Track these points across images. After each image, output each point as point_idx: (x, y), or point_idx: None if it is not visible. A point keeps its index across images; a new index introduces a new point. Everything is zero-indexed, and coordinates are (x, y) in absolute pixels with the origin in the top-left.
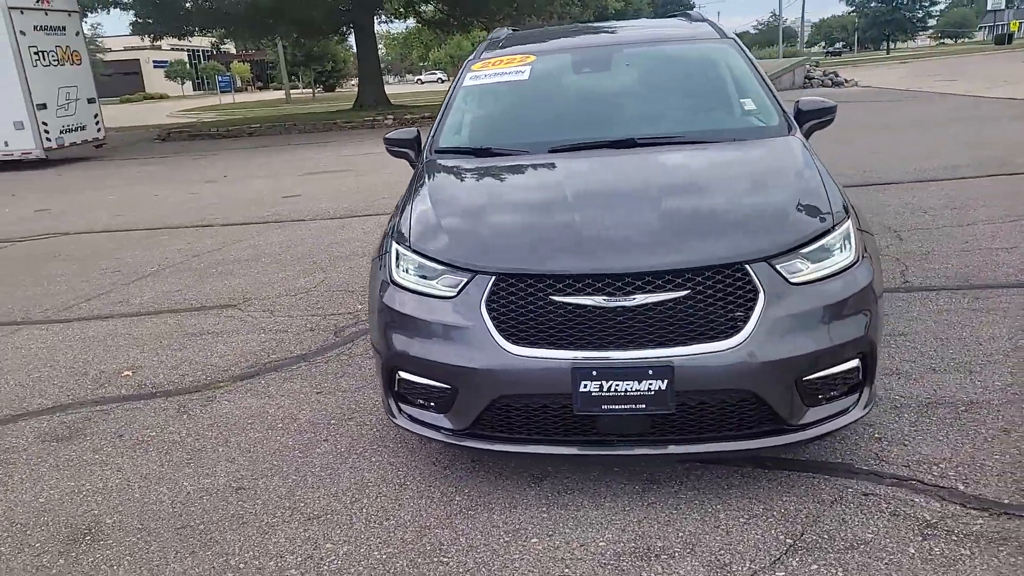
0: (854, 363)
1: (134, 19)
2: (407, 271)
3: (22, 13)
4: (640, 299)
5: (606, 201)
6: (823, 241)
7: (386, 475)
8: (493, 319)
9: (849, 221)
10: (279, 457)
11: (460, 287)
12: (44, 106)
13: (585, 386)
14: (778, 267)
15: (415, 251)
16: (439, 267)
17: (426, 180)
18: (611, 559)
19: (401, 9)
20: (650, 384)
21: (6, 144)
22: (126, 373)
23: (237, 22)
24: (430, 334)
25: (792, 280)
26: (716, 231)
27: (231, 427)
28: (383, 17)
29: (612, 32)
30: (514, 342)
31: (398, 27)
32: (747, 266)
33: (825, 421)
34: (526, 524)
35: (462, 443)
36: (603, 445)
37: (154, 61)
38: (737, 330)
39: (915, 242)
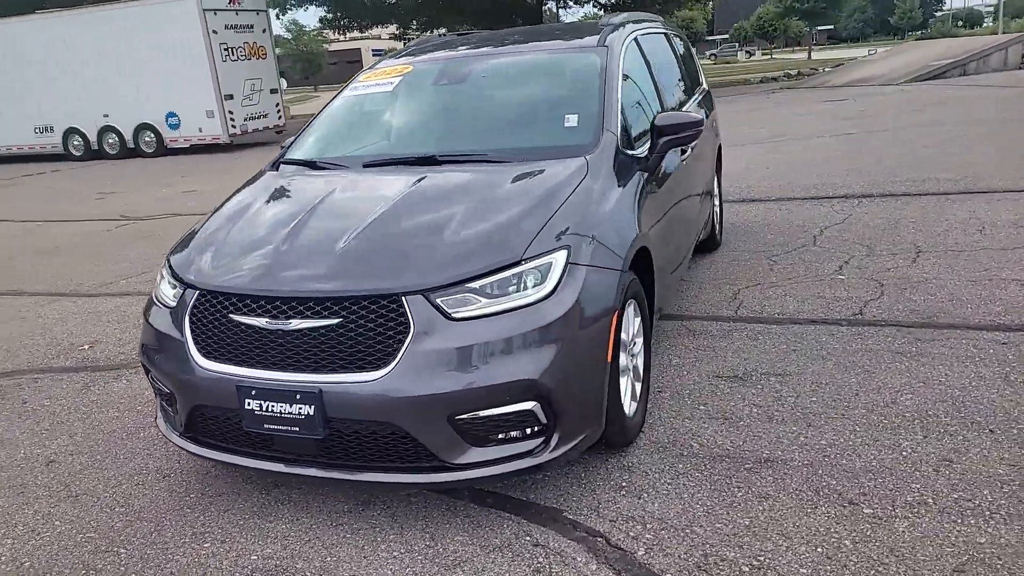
0: (528, 405)
1: (323, 15)
2: (162, 278)
3: (215, 14)
4: (296, 323)
5: (331, 223)
6: (501, 275)
7: (161, 467)
8: (192, 332)
9: (560, 254)
10: (107, 438)
11: (177, 300)
12: (231, 96)
13: (248, 404)
14: (438, 300)
15: (167, 261)
16: (172, 280)
17: (234, 193)
18: (242, 574)
19: None
20: (300, 408)
21: (200, 130)
22: (84, 346)
23: (408, 15)
24: (159, 341)
25: (455, 315)
26: (389, 261)
27: (103, 405)
28: (553, 7)
29: (498, 41)
30: (205, 356)
31: (574, 13)
32: (403, 298)
33: (495, 463)
34: (208, 530)
35: (182, 446)
36: (279, 461)
37: (372, 49)
38: (385, 363)
39: (927, 265)
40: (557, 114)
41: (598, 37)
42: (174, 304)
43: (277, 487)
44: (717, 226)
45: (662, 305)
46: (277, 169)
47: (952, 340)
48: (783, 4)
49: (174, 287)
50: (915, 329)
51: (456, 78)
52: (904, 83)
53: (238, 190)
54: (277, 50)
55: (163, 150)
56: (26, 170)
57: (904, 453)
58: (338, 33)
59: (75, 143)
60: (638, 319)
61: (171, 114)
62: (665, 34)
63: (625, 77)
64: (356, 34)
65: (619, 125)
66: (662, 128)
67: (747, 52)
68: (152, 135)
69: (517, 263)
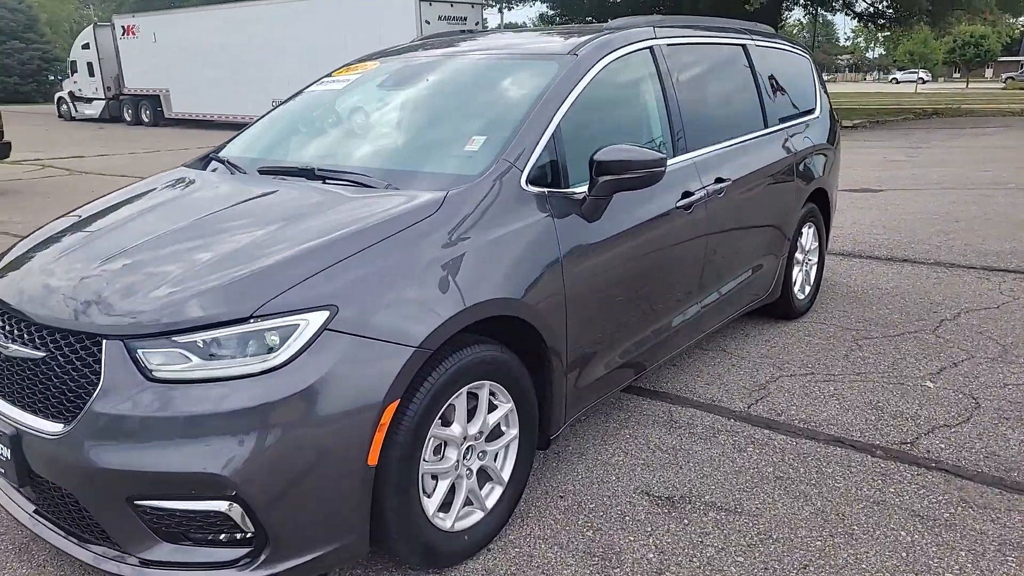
0: (220, 506)
1: (544, 11)
2: None
3: (430, 4)
4: (13, 349)
5: (124, 235)
6: (221, 332)
7: None
8: None
9: (315, 316)
10: None
11: None
12: None
13: None
14: (139, 352)
15: None
16: None
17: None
18: None
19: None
20: (1, 448)
21: None
22: None
23: (631, 13)
24: None
25: (156, 373)
26: (111, 292)
27: None
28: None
29: (474, 40)
30: None
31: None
32: (103, 340)
33: (187, 568)
34: None
35: None
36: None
37: None
38: (72, 416)
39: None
40: (469, 134)
41: (578, 43)
42: None
43: None
44: (797, 288)
45: (580, 404)
46: (199, 163)
47: (1019, 515)
48: None
49: None
50: (972, 484)
51: (399, 82)
52: None
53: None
54: None
55: None
56: None
57: None
58: None
59: None
60: (500, 413)
61: None
62: (740, 45)
63: (597, 97)
64: None
65: (534, 156)
66: (603, 165)
67: None
68: None
69: (244, 320)
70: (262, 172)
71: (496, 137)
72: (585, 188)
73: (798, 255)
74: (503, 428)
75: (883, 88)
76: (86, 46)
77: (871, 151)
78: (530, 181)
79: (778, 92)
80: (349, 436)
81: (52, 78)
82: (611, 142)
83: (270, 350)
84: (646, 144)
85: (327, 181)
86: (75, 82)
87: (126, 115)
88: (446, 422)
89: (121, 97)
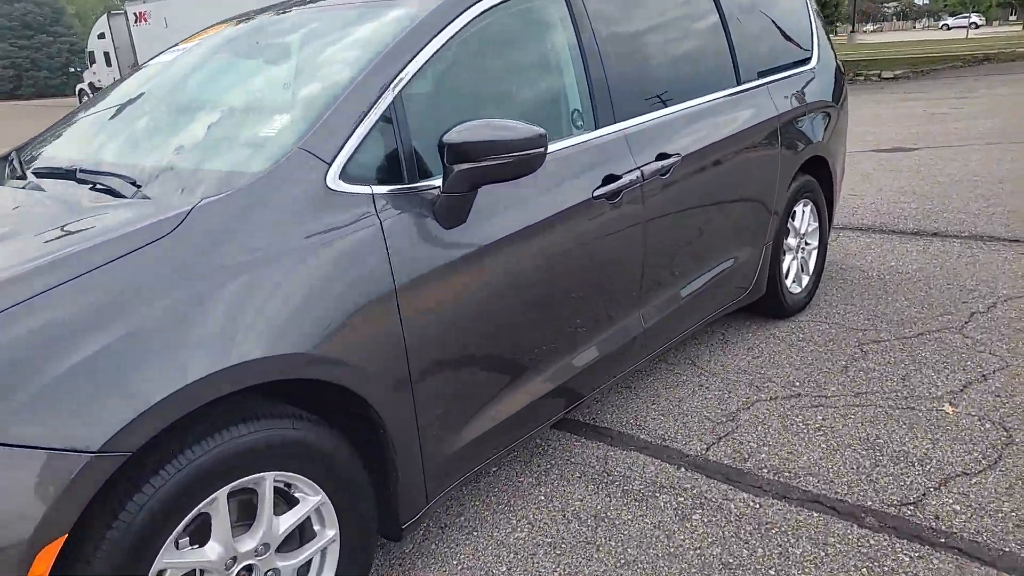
0: None
1: None
2: None
3: None
4: None
5: None
6: None
7: None
8: None
9: None
10: None
11: None
12: None
13: None
14: None
15: None
16: None
17: None
18: None
19: None
20: None
21: None
22: None
23: None
24: None
25: None
26: None
27: None
28: None
29: None
30: None
31: None
32: None
33: None
34: None
35: None
36: None
37: None
38: None
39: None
40: (277, 113)
41: None
42: None
43: None
44: (790, 281)
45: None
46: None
47: None
48: None
49: None
50: (996, 574)
51: (232, 47)
52: None
53: None
54: None
55: None
56: None
57: None
58: None
59: None
60: (301, 512)
61: None
62: None
63: (471, 54)
64: None
65: (353, 140)
66: (456, 149)
67: None
68: None
69: None
70: (37, 174)
71: (303, 117)
72: (440, 182)
73: (790, 240)
74: (315, 528)
75: (932, 35)
76: (102, 35)
77: (910, 104)
78: (348, 176)
79: (758, 38)
80: None
81: (72, 70)
82: (489, 116)
83: None
84: (547, 117)
85: (93, 186)
86: (94, 72)
87: None
88: (199, 539)
89: None
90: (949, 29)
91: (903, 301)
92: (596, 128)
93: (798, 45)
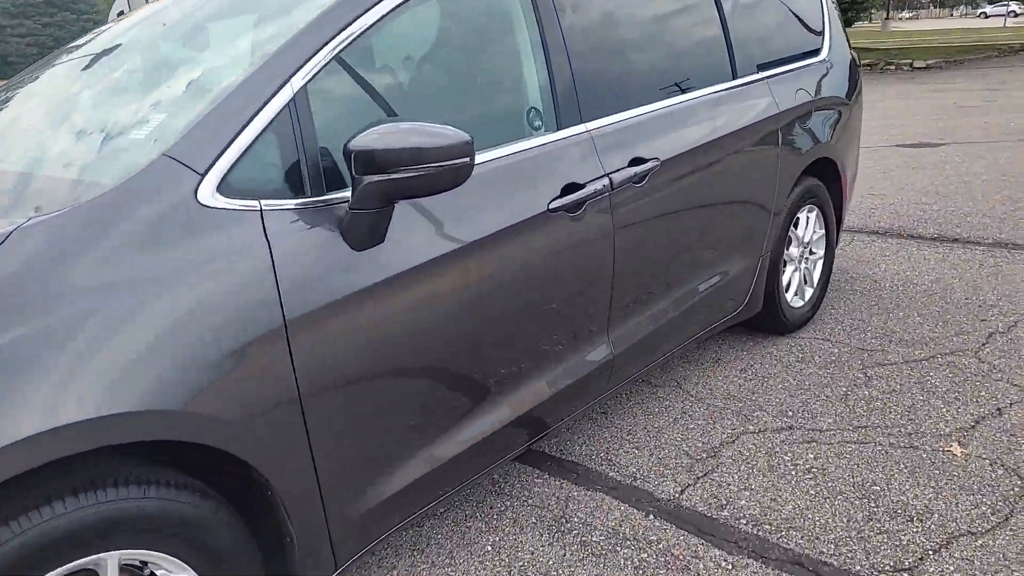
0: None
1: None
2: None
3: None
4: None
5: None
6: None
7: None
8: None
9: None
10: None
11: None
12: None
13: None
14: None
15: None
16: None
17: None
18: None
19: None
20: None
21: None
22: None
23: None
24: None
25: None
26: None
27: None
28: None
29: None
30: None
31: None
32: None
33: None
34: None
35: None
36: None
37: None
38: None
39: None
40: (158, 111)
41: None
42: None
43: None
44: (791, 295)
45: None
46: None
47: None
48: None
49: None
50: None
51: (140, 31)
52: None
53: None
54: None
55: None
56: None
57: None
58: None
59: None
60: None
61: None
62: None
63: (404, 41)
64: None
65: (236, 146)
66: (363, 158)
67: None
68: None
69: None
70: None
71: (180, 117)
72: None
73: (792, 250)
74: None
75: (969, 23)
76: (121, 14)
77: (940, 95)
78: (230, 190)
79: (759, 26)
80: None
81: None
82: (421, 118)
83: None
84: (495, 117)
85: None
86: None
87: None
88: None
89: None
90: (987, 17)
91: (916, 317)
92: (558, 129)
93: (809, 33)
